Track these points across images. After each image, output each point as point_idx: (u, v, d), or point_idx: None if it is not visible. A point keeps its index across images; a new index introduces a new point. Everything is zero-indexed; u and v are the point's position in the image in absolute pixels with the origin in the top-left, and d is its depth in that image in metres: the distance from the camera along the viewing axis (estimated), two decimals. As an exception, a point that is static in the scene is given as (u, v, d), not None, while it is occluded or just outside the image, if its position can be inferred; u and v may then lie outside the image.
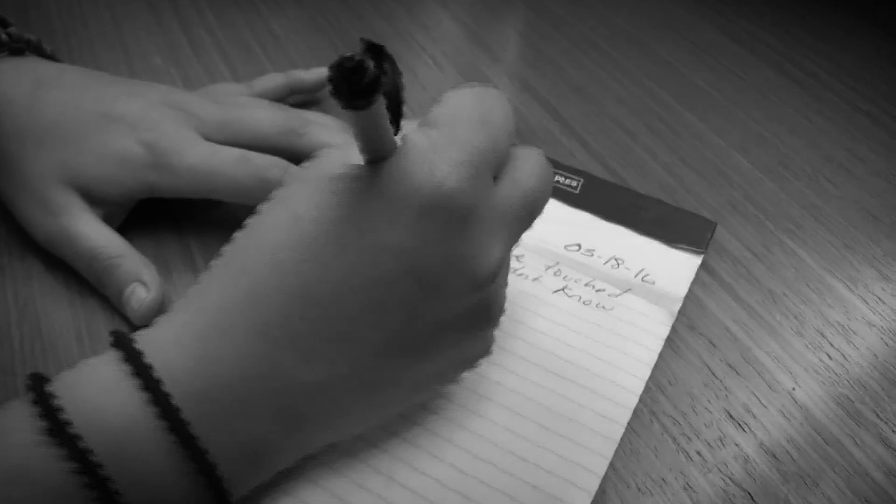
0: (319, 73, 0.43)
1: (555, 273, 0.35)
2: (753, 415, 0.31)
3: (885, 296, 0.36)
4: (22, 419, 0.21)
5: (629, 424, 0.30)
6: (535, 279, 0.34)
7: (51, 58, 0.38)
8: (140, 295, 0.31)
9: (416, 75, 0.48)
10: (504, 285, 0.27)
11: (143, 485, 0.21)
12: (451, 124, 0.24)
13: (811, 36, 0.54)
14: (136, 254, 0.33)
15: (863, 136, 0.45)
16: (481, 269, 0.23)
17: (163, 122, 0.34)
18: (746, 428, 0.30)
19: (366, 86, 0.17)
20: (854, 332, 0.34)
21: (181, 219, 0.37)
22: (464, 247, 0.23)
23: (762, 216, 0.40)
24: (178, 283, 0.34)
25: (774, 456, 0.29)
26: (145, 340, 0.23)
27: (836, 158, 0.44)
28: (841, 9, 0.58)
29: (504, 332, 0.32)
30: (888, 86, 0.50)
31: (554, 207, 0.38)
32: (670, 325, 0.33)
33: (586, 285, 0.34)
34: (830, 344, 0.34)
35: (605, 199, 0.38)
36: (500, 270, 0.24)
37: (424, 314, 0.23)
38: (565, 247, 0.36)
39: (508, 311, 0.33)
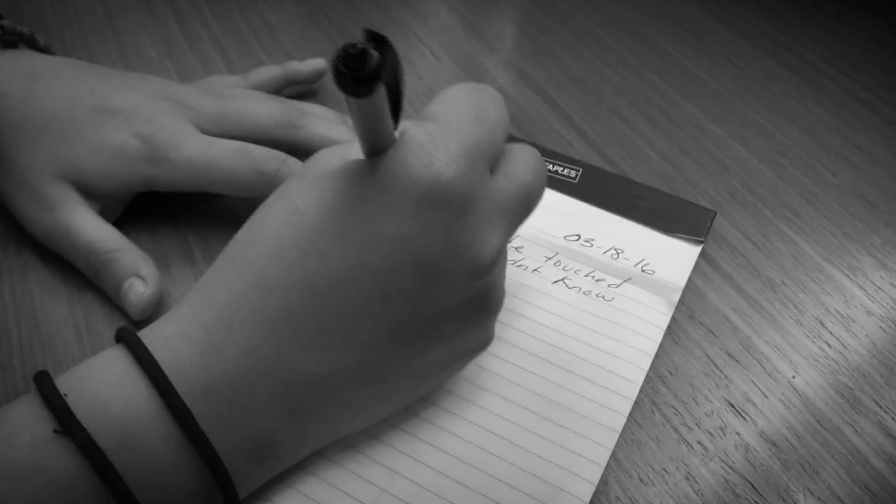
0: (315, 64, 0.43)
1: (554, 264, 0.35)
2: (754, 403, 0.31)
3: (883, 284, 0.36)
4: (30, 417, 0.21)
5: (630, 414, 0.30)
6: (534, 270, 0.34)
7: (44, 51, 0.38)
8: (138, 289, 0.31)
9: (413, 66, 0.47)
10: (503, 276, 0.27)
11: (152, 479, 0.21)
12: (448, 119, 0.24)
13: (808, 25, 0.54)
14: (134, 248, 0.32)
15: (860, 125, 0.45)
16: (480, 256, 0.24)
17: (159, 114, 0.33)
18: (747, 417, 0.30)
19: (368, 73, 0.17)
20: (853, 320, 0.34)
21: (179, 212, 0.36)
22: (463, 235, 0.23)
23: (760, 204, 0.40)
24: (177, 278, 0.34)
25: (775, 444, 0.29)
26: (151, 335, 0.23)
27: (834, 147, 0.44)
28: (838, -3, 0.58)
29: (504, 323, 0.32)
30: (885, 74, 0.50)
31: (553, 198, 0.38)
32: (670, 315, 0.33)
33: (586, 276, 0.34)
34: (830, 332, 0.34)
35: (604, 189, 0.38)
36: (498, 259, 0.25)
37: (426, 303, 0.24)
38: (565, 237, 0.36)
39: (508, 302, 0.33)
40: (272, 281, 0.23)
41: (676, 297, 0.34)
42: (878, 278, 0.36)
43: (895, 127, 0.45)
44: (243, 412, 0.23)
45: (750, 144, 0.43)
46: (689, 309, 0.34)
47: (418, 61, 0.48)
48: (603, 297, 0.33)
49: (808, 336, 0.33)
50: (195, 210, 0.37)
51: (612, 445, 0.28)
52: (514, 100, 0.45)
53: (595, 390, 0.30)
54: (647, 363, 0.31)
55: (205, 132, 0.34)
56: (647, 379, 0.31)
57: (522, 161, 0.26)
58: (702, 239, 0.36)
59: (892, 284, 0.36)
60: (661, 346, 0.32)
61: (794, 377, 0.32)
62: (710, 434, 0.30)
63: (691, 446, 0.29)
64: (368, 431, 0.28)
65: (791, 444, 0.29)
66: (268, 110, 0.36)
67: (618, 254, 0.35)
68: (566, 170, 0.39)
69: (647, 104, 0.46)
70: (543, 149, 0.41)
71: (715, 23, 0.54)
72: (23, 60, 0.34)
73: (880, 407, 0.31)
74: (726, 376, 0.32)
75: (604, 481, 0.28)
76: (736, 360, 0.32)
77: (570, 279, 0.34)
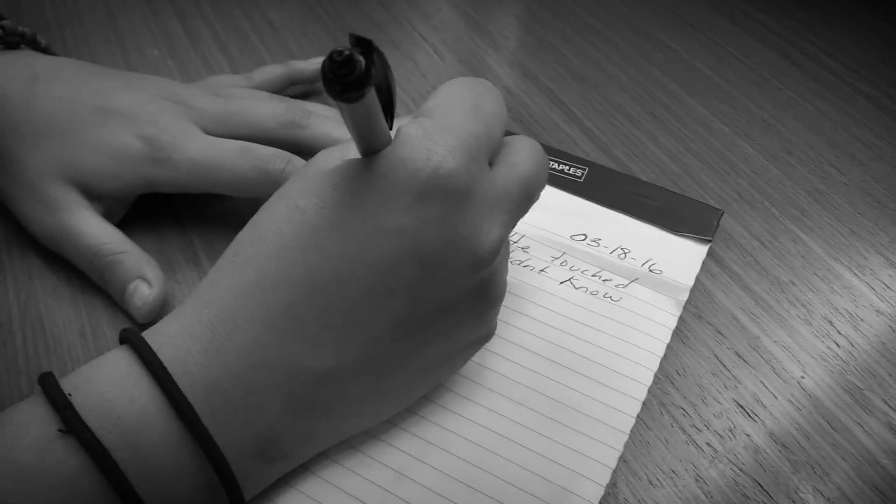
0: (319, 63, 0.43)
1: (561, 264, 0.35)
2: (763, 404, 0.31)
3: (892, 283, 0.36)
4: (35, 417, 0.21)
5: (639, 416, 0.29)
6: (541, 271, 0.34)
7: (45, 51, 0.37)
8: (143, 292, 0.31)
9: (416, 64, 0.47)
10: (505, 269, 0.27)
11: (156, 477, 0.21)
12: (445, 113, 0.24)
13: (811, 18, 0.54)
14: (138, 250, 0.32)
15: (866, 120, 0.45)
16: (481, 248, 0.24)
17: (162, 115, 0.33)
18: (756, 418, 0.30)
19: (356, 79, 0.18)
20: (862, 319, 0.34)
21: (183, 213, 0.36)
22: (463, 227, 0.23)
23: (768, 203, 0.39)
24: (182, 279, 0.33)
25: (784, 445, 0.29)
26: (154, 335, 0.23)
27: (840, 143, 0.43)
28: (843, -8, 0.57)
29: (511, 324, 0.32)
30: (889, 68, 0.49)
31: (559, 197, 0.38)
32: (678, 315, 0.33)
33: (593, 276, 0.34)
34: (838, 332, 0.34)
35: (610, 188, 0.38)
36: (499, 251, 0.25)
37: (427, 296, 0.24)
38: (571, 237, 0.36)
39: (516, 304, 0.33)
40: (274, 278, 0.23)
41: (684, 296, 0.33)
42: (887, 277, 0.36)
43: (902, 123, 0.45)
44: (247, 409, 0.22)
45: (755, 141, 0.43)
46: (697, 309, 0.34)
47: (421, 59, 0.48)
48: (610, 297, 0.33)
49: (816, 335, 0.33)
50: (199, 211, 0.36)
51: (620, 447, 0.28)
52: (519, 98, 0.45)
53: (603, 391, 0.30)
54: (655, 364, 0.31)
55: (208, 133, 0.34)
56: (656, 380, 0.31)
57: (522, 152, 0.26)
58: (709, 238, 0.36)
59: (900, 283, 0.36)
60: (668, 346, 0.32)
61: (803, 377, 0.32)
62: (720, 435, 0.29)
63: (700, 448, 0.29)
64: (375, 434, 0.28)
65: (800, 445, 0.29)
66: (271, 110, 0.35)
67: (625, 253, 0.35)
68: (572, 169, 0.39)
69: (651, 101, 0.46)
70: (549, 147, 0.41)
71: (716, 16, 0.53)
72: (24, 61, 0.34)
73: (890, 407, 0.31)
74: (735, 377, 0.31)
75: (612, 483, 0.28)
76: (745, 361, 0.32)
77: (576, 279, 0.34)
